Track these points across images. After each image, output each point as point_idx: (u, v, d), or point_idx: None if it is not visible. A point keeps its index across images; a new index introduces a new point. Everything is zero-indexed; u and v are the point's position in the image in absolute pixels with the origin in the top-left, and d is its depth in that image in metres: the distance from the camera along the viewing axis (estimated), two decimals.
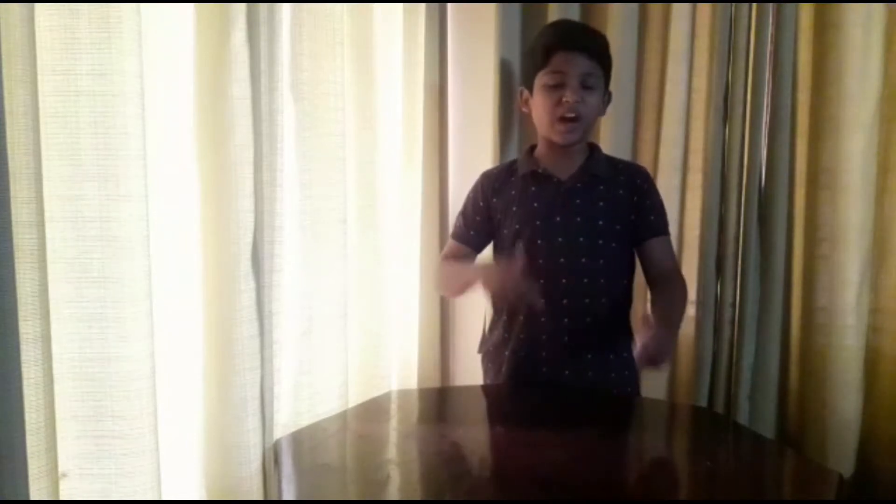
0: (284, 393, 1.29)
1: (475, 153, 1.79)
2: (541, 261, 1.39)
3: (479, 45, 1.77)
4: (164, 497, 1.03)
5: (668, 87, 1.76)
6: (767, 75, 1.70)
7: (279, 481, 1.08)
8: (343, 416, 1.33)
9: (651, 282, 1.46)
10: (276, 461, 1.15)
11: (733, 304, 1.76)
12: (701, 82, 1.75)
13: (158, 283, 1.00)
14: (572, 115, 1.36)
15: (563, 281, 1.39)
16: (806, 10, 1.71)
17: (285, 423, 1.28)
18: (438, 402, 1.54)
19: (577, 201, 1.41)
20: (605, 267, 1.41)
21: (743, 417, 1.74)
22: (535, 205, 1.42)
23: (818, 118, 1.71)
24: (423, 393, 1.62)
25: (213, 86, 1.09)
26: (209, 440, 1.15)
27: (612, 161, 1.49)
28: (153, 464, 0.98)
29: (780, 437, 1.75)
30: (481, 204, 1.48)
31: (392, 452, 1.19)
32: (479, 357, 1.57)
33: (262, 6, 1.14)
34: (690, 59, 1.75)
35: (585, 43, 1.38)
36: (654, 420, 1.38)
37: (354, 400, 1.45)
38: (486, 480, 1.06)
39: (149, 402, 0.97)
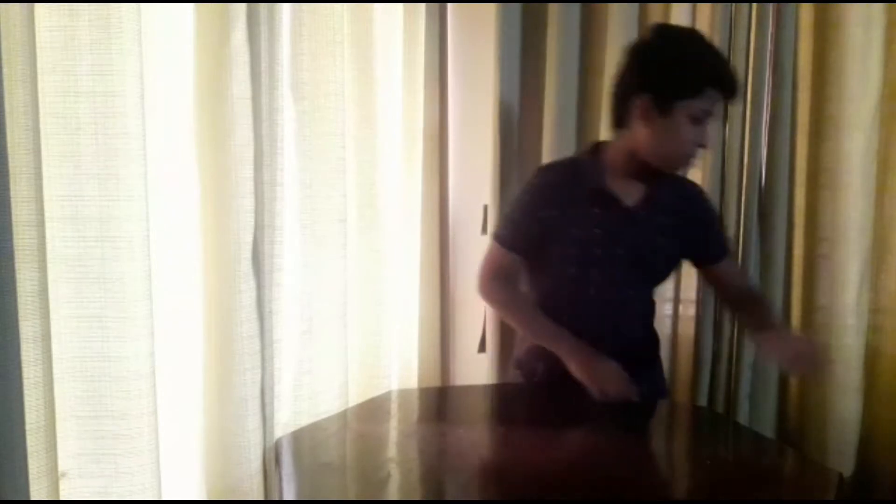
0: (285, 392, 1.29)
1: (475, 153, 1.79)
2: (592, 290, 1.36)
3: (479, 45, 1.77)
4: (164, 496, 1.03)
5: None
6: (767, 75, 1.70)
7: (279, 481, 1.08)
8: (343, 416, 1.33)
9: (734, 301, 1.46)
10: (277, 460, 1.15)
11: None
12: None
13: (158, 283, 1.00)
14: (705, 149, 1.32)
15: (610, 309, 1.37)
16: (806, 10, 1.71)
17: (285, 422, 1.28)
18: (438, 401, 1.54)
19: (639, 232, 1.35)
20: (648, 296, 1.44)
21: (743, 417, 1.74)
22: (597, 231, 1.34)
23: (818, 117, 1.71)
24: (423, 393, 1.62)
25: (213, 85, 1.09)
26: (209, 439, 1.15)
27: (674, 183, 1.40)
28: (153, 463, 0.98)
29: (780, 437, 1.75)
30: (539, 214, 1.35)
31: (392, 452, 1.19)
32: (478, 357, 1.57)
33: (263, 6, 1.14)
34: None
35: (735, 84, 1.29)
36: (655, 419, 1.37)
37: (354, 399, 1.45)
38: (486, 480, 1.06)
39: (149, 402, 0.97)
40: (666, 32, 1.36)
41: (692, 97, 1.25)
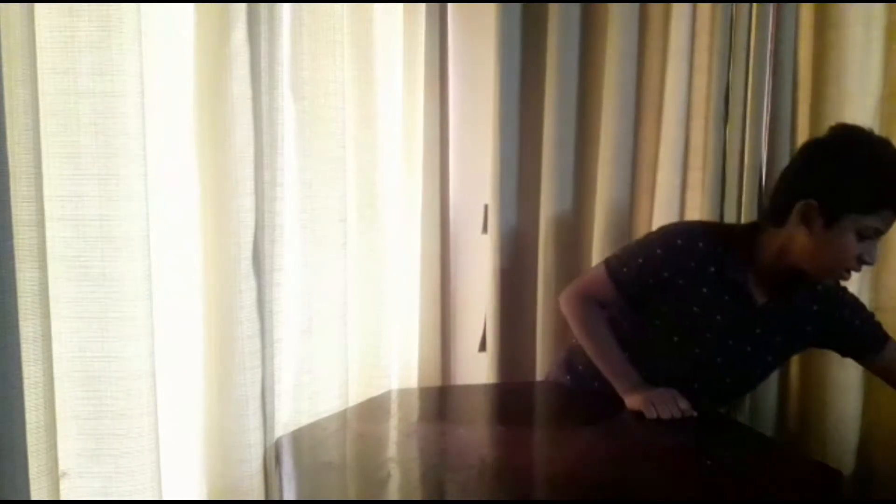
0: (285, 392, 1.29)
1: (475, 153, 1.79)
2: (688, 364, 1.33)
3: (479, 45, 1.77)
4: (165, 496, 1.03)
5: (669, 87, 1.76)
6: (768, 74, 1.70)
7: (280, 480, 1.08)
8: (343, 415, 1.33)
9: None
10: (277, 460, 1.15)
11: None
12: (701, 81, 1.75)
13: (159, 283, 1.00)
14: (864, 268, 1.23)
15: (696, 386, 1.32)
16: (806, 10, 1.71)
17: (286, 421, 1.29)
18: (438, 401, 1.55)
19: (759, 331, 1.31)
20: (747, 389, 1.44)
21: (743, 416, 1.74)
22: (718, 318, 1.30)
23: (818, 117, 1.71)
24: (423, 392, 1.62)
25: (213, 85, 1.09)
26: (209, 439, 1.15)
27: (812, 294, 1.32)
28: (153, 463, 0.98)
29: (780, 436, 1.75)
30: (665, 275, 1.29)
31: (392, 451, 1.19)
32: (478, 356, 1.57)
33: (263, 6, 1.14)
34: (691, 59, 1.74)
35: None
36: (654, 419, 1.37)
37: (354, 399, 1.45)
38: (486, 480, 1.06)
39: (149, 401, 0.97)
40: (851, 136, 1.24)
41: (864, 213, 1.17)
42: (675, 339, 1.32)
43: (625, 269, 1.33)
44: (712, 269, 1.28)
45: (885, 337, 1.32)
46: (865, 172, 1.18)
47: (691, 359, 1.33)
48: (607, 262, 1.37)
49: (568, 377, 1.46)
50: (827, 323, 1.32)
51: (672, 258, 1.30)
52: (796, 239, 1.22)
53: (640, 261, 1.32)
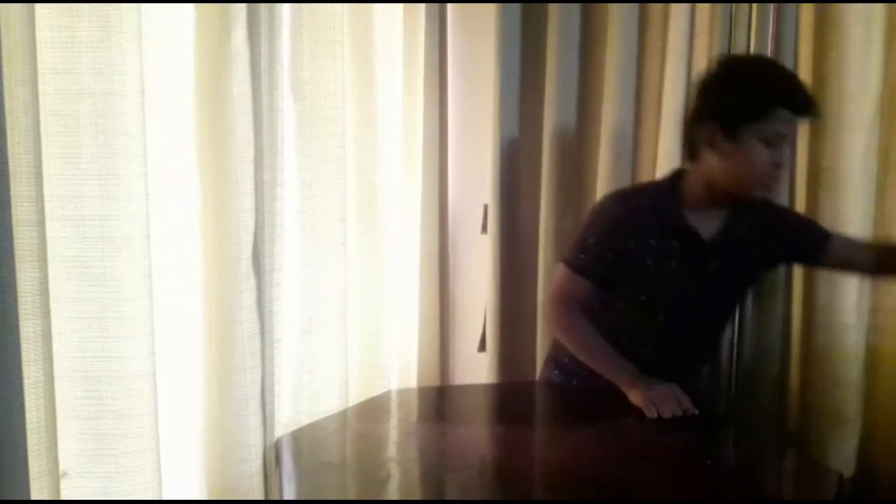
0: (285, 392, 1.29)
1: (475, 153, 1.79)
2: (661, 317, 1.37)
3: (479, 45, 1.77)
4: (165, 496, 1.04)
5: (668, 86, 1.76)
6: None
7: (280, 480, 1.08)
8: (343, 415, 1.33)
9: (873, 266, 1.41)
10: (277, 460, 1.15)
11: None
12: None
13: (159, 282, 1.00)
14: (783, 172, 1.29)
15: (676, 338, 1.38)
16: (806, 9, 1.70)
17: (286, 421, 1.29)
18: (438, 401, 1.55)
19: (714, 266, 1.34)
20: (723, 324, 1.46)
21: (743, 416, 1.74)
22: (674, 264, 1.34)
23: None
24: (423, 392, 1.62)
25: (213, 85, 1.09)
26: (210, 439, 1.15)
27: (751, 207, 1.36)
28: (154, 462, 0.98)
29: (780, 436, 1.75)
30: (622, 242, 1.34)
31: (392, 451, 1.19)
32: (478, 356, 1.57)
33: (263, 6, 1.14)
34: (690, 59, 1.74)
35: (809, 106, 1.28)
36: (654, 419, 1.37)
37: (354, 399, 1.45)
38: (485, 479, 1.06)
39: (149, 401, 0.97)
40: (729, 60, 1.36)
41: (759, 120, 1.23)
42: (643, 298, 1.35)
43: (582, 256, 1.36)
44: (653, 221, 1.33)
45: (828, 232, 1.39)
46: (750, 79, 1.27)
47: (662, 314, 1.36)
48: (565, 261, 1.40)
49: (556, 371, 1.48)
50: (773, 236, 1.37)
51: (616, 225, 1.35)
52: (712, 166, 1.28)
53: (591, 241, 1.36)
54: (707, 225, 1.33)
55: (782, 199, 1.70)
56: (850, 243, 1.42)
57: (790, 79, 1.31)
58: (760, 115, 1.23)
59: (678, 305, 1.36)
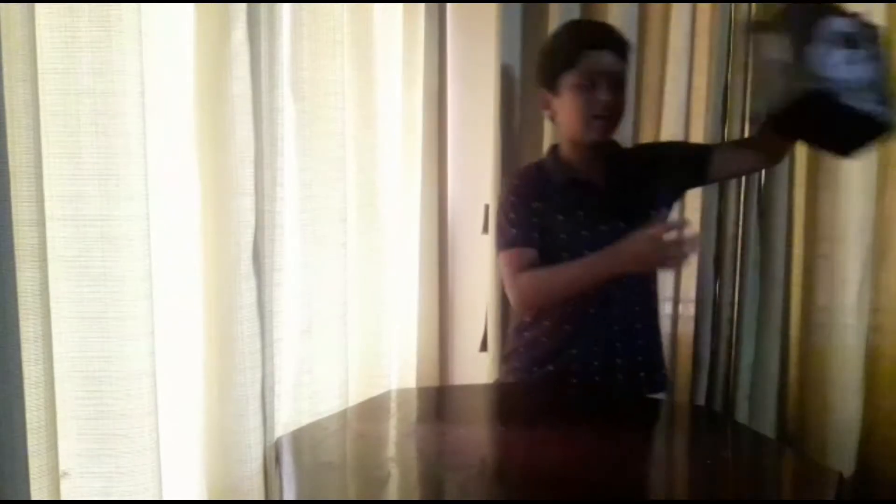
0: (285, 392, 1.29)
1: (475, 153, 1.79)
2: None
3: (478, 45, 1.77)
4: (165, 496, 1.03)
5: (668, 86, 1.76)
6: None
7: (280, 480, 1.08)
8: (343, 415, 1.33)
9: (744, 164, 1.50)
10: (277, 460, 1.15)
11: (732, 303, 1.76)
12: (700, 81, 1.75)
13: (159, 282, 1.00)
14: (607, 113, 1.34)
15: (612, 291, 1.37)
16: None
17: (286, 421, 1.28)
18: (438, 401, 1.55)
19: (618, 205, 1.39)
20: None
21: (742, 417, 1.74)
22: (580, 213, 1.38)
23: None
24: (423, 392, 1.62)
25: (213, 84, 1.09)
26: (210, 439, 1.15)
27: (630, 152, 1.50)
28: (154, 462, 0.98)
29: (779, 437, 1.75)
30: (534, 205, 1.39)
31: (392, 451, 1.19)
32: (478, 356, 1.57)
33: (263, 6, 1.14)
34: (690, 58, 1.75)
35: (614, 42, 1.35)
36: (654, 419, 1.38)
37: (354, 399, 1.45)
38: (485, 479, 1.06)
39: (149, 401, 0.97)
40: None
41: (570, 67, 1.33)
42: (566, 255, 1.35)
43: (514, 231, 1.39)
44: (548, 181, 1.41)
45: (709, 145, 1.50)
46: (554, 35, 1.43)
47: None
48: (500, 246, 1.42)
49: (514, 367, 1.48)
50: (663, 164, 1.43)
51: (522, 192, 1.41)
52: (558, 124, 1.40)
53: (512, 216, 1.40)
54: (597, 170, 1.40)
55: (781, 198, 1.71)
56: (726, 146, 1.55)
57: (583, 22, 1.45)
58: (567, 64, 1.33)
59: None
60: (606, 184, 1.40)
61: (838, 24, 1.17)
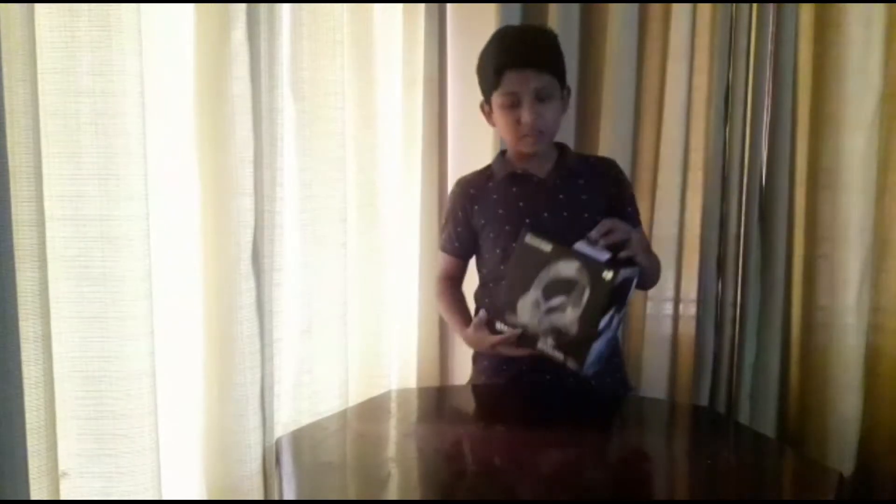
0: (285, 392, 1.29)
1: (475, 153, 1.79)
2: None
3: (478, 45, 1.77)
4: (165, 496, 1.03)
5: (669, 86, 1.76)
6: (768, 74, 1.70)
7: (280, 480, 1.08)
8: (343, 415, 1.33)
9: None
10: (277, 460, 1.15)
11: (734, 304, 1.76)
12: (701, 81, 1.75)
13: (159, 282, 1.00)
14: (533, 131, 1.35)
15: None
16: (806, 10, 1.71)
17: (286, 421, 1.28)
18: (438, 400, 1.55)
19: (561, 196, 1.41)
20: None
21: (744, 416, 1.74)
22: (521, 204, 1.41)
23: (818, 117, 1.71)
24: (423, 392, 1.62)
25: (213, 84, 1.09)
26: (209, 439, 1.15)
27: (582, 157, 1.50)
28: (153, 462, 0.98)
29: (780, 436, 1.75)
30: (460, 214, 1.46)
31: (392, 451, 1.19)
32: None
33: (262, 6, 1.14)
34: (691, 58, 1.75)
35: (532, 58, 1.34)
36: (655, 419, 1.38)
37: (354, 399, 1.45)
38: (486, 479, 1.06)
39: (149, 401, 0.97)
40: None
41: (496, 87, 1.34)
42: (513, 245, 1.35)
43: (445, 236, 1.51)
44: (490, 183, 1.45)
45: (637, 223, 1.46)
46: (481, 54, 1.40)
47: None
48: (439, 246, 1.55)
49: (483, 366, 1.49)
50: (606, 187, 1.44)
51: (457, 201, 1.48)
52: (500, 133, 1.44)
53: (445, 222, 1.51)
54: (541, 167, 1.42)
55: (781, 198, 1.71)
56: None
57: (505, 37, 1.40)
58: (494, 83, 1.34)
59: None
60: (547, 177, 1.42)
61: (557, 270, 1.22)
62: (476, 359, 1.52)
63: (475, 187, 1.46)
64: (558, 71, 1.37)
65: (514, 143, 1.40)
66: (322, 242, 1.36)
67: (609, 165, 1.49)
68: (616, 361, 1.47)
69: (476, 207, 1.44)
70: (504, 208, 1.42)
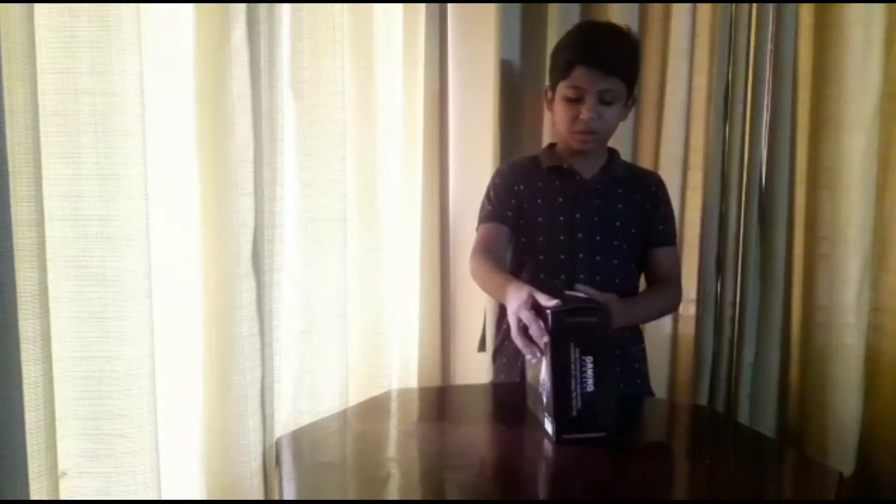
0: (285, 391, 1.29)
1: (475, 153, 1.79)
2: (561, 256, 1.42)
3: (479, 45, 1.77)
4: (165, 496, 1.03)
5: (669, 86, 1.76)
6: (768, 74, 1.70)
7: (280, 480, 1.08)
8: (343, 415, 1.33)
9: (649, 286, 1.50)
10: (277, 460, 1.15)
11: (734, 303, 1.76)
12: (701, 81, 1.75)
13: (158, 282, 1.00)
14: (588, 129, 1.37)
15: (581, 276, 1.41)
16: (806, 9, 1.71)
17: (286, 421, 1.29)
18: (438, 401, 1.55)
19: (598, 201, 1.43)
20: (619, 266, 1.44)
21: (743, 416, 1.74)
22: (560, 199, 1.44)
23: (818, 116, 1.71)
24: (423, 392, 1.62)
25: (213, 84, 1.09)
26: (209, 439, 1.15)
27: (629, 166, 1.53)
28: (153, 462, 0.98)
29: (780, 436, 1.75)
30: (515, 188, 1.47)
31: (392, 451, 1.19)
32: (478, 356, 1.57)
33: (262, 5, 1.14)
34: (691, 58, 1.75)
35: (606, 59, 1.34)
36: (655, 419, 1.38)
37: (354, 399, 1.45)
38: (486, 479, 1.06)
39: (149, 401, 0.97)
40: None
41: (563, 78, 1.36)
42: (542, 238, 1.43)
43: (489, 208, 1.47)
44: (537, 169, 1.47)
45: (670, 241, 1.49)
46: (559, 42, 1.43)
47: (562, 249, 1.43)
48: (478, 223, 1.49)
49: (502, 362, 1.50)
50: (643, 200, 1.47)
51: (508, 175, 1.49)
52: (553, 123, 1.46)
53: (492, 194, 1.48)
54: (587, 168, 1.45)
55: (781, 198, 1.71)
56: (668, 267, 1.49)
57: (585, 32, 1.44)
58: (563, 74, 1.36)
59: (573, 242, 1.42)
60: (591, 179, 1.44)
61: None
62: (496, 355, 1.53)
63: (523, 170, 1.49)
64: (629, 77, 1.38)
65: (567, 137, 1.41)
66: (322, 242, 1.36)
67: (651, 181, 1.51)
68: (637, 369, 1.48)
69: (522, 188, 1.46)
70: (543, 198, 1.44)
